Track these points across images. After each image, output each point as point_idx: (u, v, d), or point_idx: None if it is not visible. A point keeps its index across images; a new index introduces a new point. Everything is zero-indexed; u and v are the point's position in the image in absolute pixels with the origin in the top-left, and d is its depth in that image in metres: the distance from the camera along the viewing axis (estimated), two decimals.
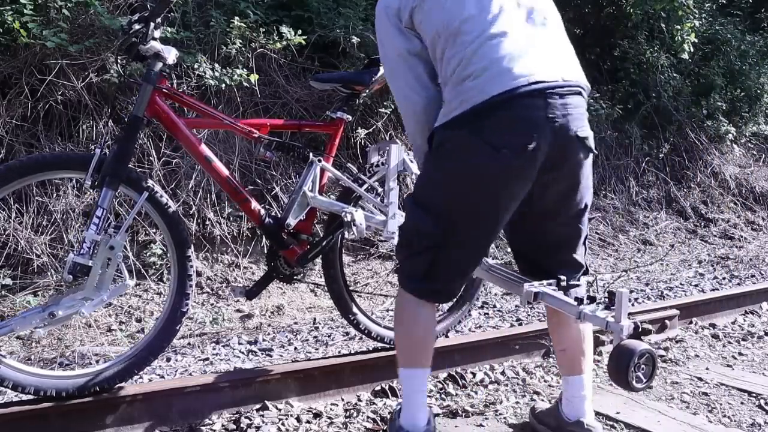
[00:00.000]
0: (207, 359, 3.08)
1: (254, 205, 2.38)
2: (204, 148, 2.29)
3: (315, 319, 3.79)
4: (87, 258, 1.98)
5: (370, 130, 4.74)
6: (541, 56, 1.76)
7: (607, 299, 1.79)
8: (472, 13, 1.76)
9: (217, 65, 4.19)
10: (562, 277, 1.91)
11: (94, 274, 2.00)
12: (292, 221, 2.40)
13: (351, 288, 2.69)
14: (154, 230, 3.85)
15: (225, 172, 2.34)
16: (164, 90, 2.19)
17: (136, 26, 2.07)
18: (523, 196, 1.80)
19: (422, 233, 1.82)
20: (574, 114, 1.76)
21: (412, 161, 2.50)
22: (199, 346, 3.27)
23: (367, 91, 2.54)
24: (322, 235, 2.50)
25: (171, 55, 2.16)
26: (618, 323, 1.74)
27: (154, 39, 2.12)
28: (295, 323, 3.74)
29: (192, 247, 2.28)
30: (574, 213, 1.92)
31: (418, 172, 2.02)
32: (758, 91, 8.24)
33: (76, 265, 1.97)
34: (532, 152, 1.70)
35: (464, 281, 2.00)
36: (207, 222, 4.02)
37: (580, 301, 1.82)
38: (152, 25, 2.08)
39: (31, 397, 2.06)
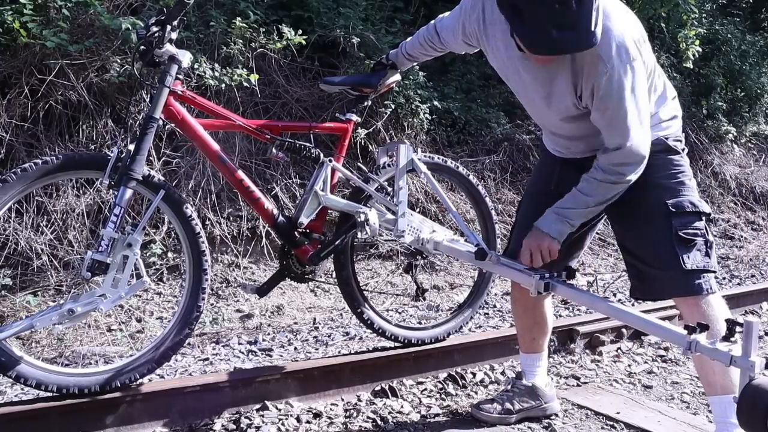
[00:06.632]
0: (207, 359, 3.08)
1: (267, 204, 2.40)
2: (218, 150, 2.30)
3: (315, 319, 3.79)
4: (105, 255, 2.00)
5: (370, 130, 4.75)
6: None
7: (727, 330, 1.59)
8: None
9: (217, 65, 4.19)
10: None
11: (112, 271, 2.03)
12: (304, 220, 2.42)
13: (363, 288, 2.70)
14: (154, 230, 3.86)
15: (239, 172, 2.35)
16: (179, 92, 2.20)
17: (154, 29, 2.07)
18: None
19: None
20: None
21: (420, 159, 2.52)
22: (199, 346, 3.27)
23: (375, 93, 2.56)
24: (333, 235, 2.51)
25: (186, 58, 2.18)
26: (747, 358, 1.51)
27: (170, 42, 2.12)
28: (295, 323, 3.74)
29: (205, 241, 2.30)
30: None
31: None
32: (758, 91, 8.24)
33: (95, 263, 1.99)
34: None
35: None
36: (207, 222, 4.02)
37: (691, 329, 1.64)
38: (168, 28, 2.09)
39: (32, 396, 2.06)
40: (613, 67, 1.78)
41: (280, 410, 2.31)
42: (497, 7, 1.79)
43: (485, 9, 1.99)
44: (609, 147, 1.91)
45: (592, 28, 1.68)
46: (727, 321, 1.62)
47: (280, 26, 4.52)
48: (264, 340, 3.39)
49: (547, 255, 2.01)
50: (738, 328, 1.57)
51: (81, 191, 3.83)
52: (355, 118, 2.58)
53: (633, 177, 1.93)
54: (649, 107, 1.91)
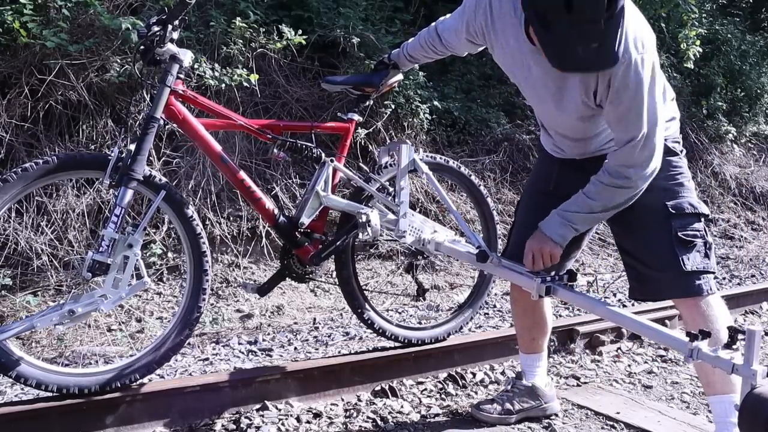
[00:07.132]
0: (207, 359, 3.08)
1: (268, 204, 2.40)
2: (220, 150, 2.30)
3: (315, 319, 3.79)
4: (106, 256, 2.01)
5: (370, 130, 4.75)
6: None
7: (729, 337, 1.60)
8: None
9: (217, 65, 4.19)
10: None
11: (112, 271, 2.03)
12: (305, 220, 2.42)
13: (364, 287, 2.70)
14: (154, 230, 3.85)
15: (240, 172, 2.35)
16: (180, 92, 2.20)
17: (155, 28, 2.07)
18: None
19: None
20: None
21: (421, 160, 2.51)
22: (199, 346, 3.27)
23: (377, 93, 2.56)
24: (334, 235, 2.52)
25: (187, 57, 2.18)
26: (749, 367, 1.52)
27: (171, 41, 2.12)
28: (295, 323, 3.74)
29: (206, 242, 2.31)
30: None
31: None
32: (758, 91, 8.24)
33: (96, 263, 1.99)
34: None
35: None
36: (207, 222, 4.02)
37: (693, 336, 1.65)
38: (170, 27, 2.09)
39: (32, 396, 2.06)
40: (631, 57, 1.77)
41: (280, 410, 2.31)
42: (524, 7, 1.76)
43: (492, 2, 1.99)
44: (620, 143, 1.87)
45: (615, 48, 1.68)
46: (730, 329, 1.62)
47: (280, 26, 4.52)
48: (264, 340, 3.39)
49: (548, 260, 2.01)
50: (740, 336, 1.57)
51: (81, 191, 3.83)
52: (356, 117, 2.58)
53: (641, 183, 1.89)
54: (662, 103, 1.89)
